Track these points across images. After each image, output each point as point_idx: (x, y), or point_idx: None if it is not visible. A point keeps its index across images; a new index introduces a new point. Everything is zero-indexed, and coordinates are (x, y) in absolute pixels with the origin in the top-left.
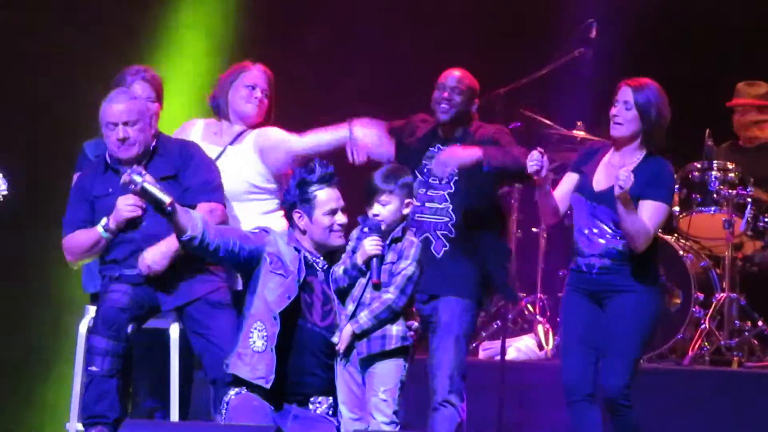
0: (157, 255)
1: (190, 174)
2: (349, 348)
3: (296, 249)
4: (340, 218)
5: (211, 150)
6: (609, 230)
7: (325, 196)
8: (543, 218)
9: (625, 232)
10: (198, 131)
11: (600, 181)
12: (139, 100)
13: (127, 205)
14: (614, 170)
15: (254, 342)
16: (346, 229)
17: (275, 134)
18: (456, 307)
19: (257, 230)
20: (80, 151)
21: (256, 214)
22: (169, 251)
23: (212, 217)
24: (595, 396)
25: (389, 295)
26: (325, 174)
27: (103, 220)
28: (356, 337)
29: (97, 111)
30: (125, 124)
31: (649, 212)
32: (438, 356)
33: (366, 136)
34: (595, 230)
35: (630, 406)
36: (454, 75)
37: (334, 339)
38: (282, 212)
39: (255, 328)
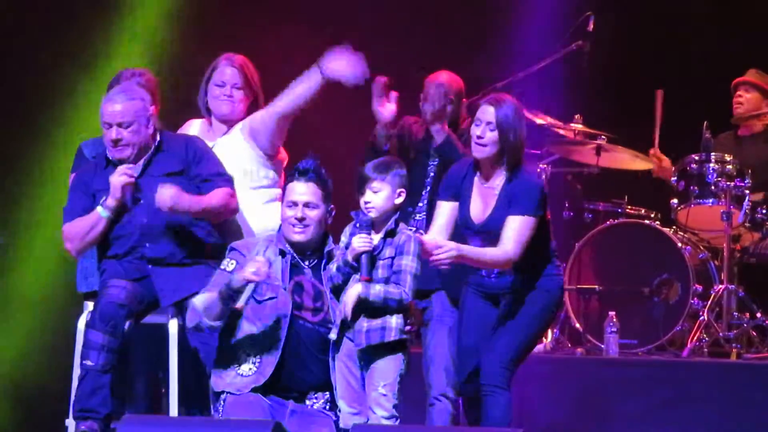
0: (180, 200)
1: (204, 165)
2: (339, 340)
3: (282, 252)
4: (294, 212)
5: None
6: None
7: (291, 188)
8: None
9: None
10: (195, 129)
11: (477, 211)
12: (136, 101)
13: (119, 177)
14: (486, 193)
15: (240, 366)
16: (337, 227)
17: (259, 112)
18: (448, 299)
19: (234, 263)
20: (77, 150)
21: (259, 203)
22: (190, 206)
23: (231, 201)
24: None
25: (405, 294)
26: (302, 168)
27: (102, 199)
28: (352, 317)
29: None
30: (119, 125)
31: (514, 227)
32: (432, 350)
33: (338, 70)
34: None
35: (505, 388)
36: (442, 83)
37: (331, 335)
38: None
39: (246, 353)
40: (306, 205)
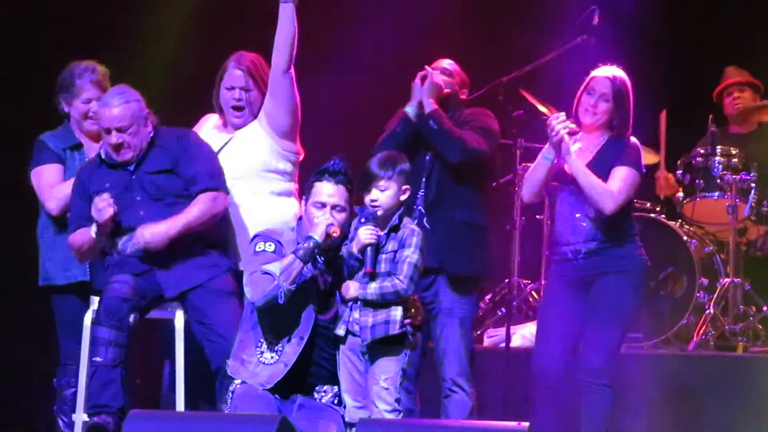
0: (156, 231)
1: (188, 162)
2: (345, 336)
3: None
4: (323, 213)
5: (223, 138)
6: (591, 213)
7: (320, 188)
8: (527, 193)
9: (587, 196)
10: (212, 122)
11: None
12: (132, 103)
13: (99, 210)
14: (582, 155)
15: (262, 354)
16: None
17: (266, 98)
18: (455, 289)
19: (273, 245)
20: (38, 144)
21: (268, 193)
22: (168, 232)
23: (215, 206)
24: (565, 381)
25: (401, 283)
26: (332, 169)
27: (94, 226)
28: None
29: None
30: (118, 130)
31: (622, 175)
32: (444, 342)
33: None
34: (577, 215)
35: (609, 386)
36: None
37: (339, 331)
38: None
39: (269, 341)
40: (334, 207)
